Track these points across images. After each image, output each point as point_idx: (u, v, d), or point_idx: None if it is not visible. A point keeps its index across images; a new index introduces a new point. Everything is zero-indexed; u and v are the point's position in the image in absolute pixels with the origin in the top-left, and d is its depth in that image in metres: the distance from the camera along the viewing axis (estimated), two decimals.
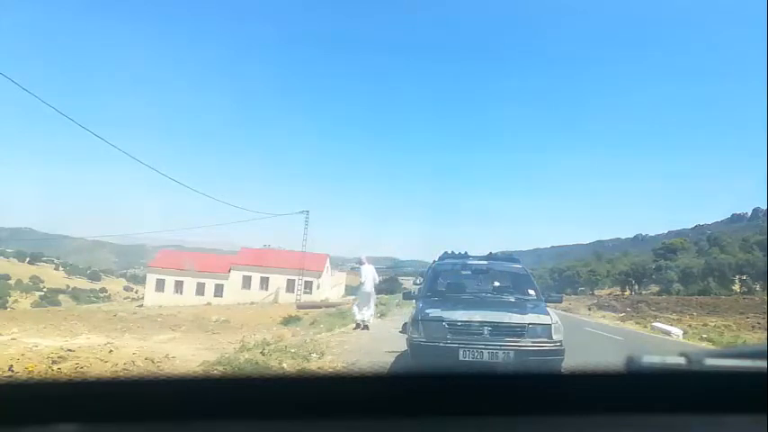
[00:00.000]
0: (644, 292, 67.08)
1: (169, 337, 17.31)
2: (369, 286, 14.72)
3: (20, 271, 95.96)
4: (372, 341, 12.80)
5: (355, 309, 14.89)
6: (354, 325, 14.34)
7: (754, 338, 23.43)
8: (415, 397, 1.07)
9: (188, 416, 1.03)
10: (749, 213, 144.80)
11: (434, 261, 8.92)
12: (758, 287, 56.08)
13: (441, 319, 6.55)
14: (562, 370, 1.30)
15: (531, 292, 7.79)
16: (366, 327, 14.28)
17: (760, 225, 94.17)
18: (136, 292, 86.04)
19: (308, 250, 48.23)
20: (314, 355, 9.93)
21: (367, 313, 14.58)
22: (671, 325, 25.51)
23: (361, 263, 15.58)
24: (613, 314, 38.99)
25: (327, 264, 59.18)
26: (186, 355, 11.59)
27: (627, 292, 70.32)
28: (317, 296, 52.15)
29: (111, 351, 11.87)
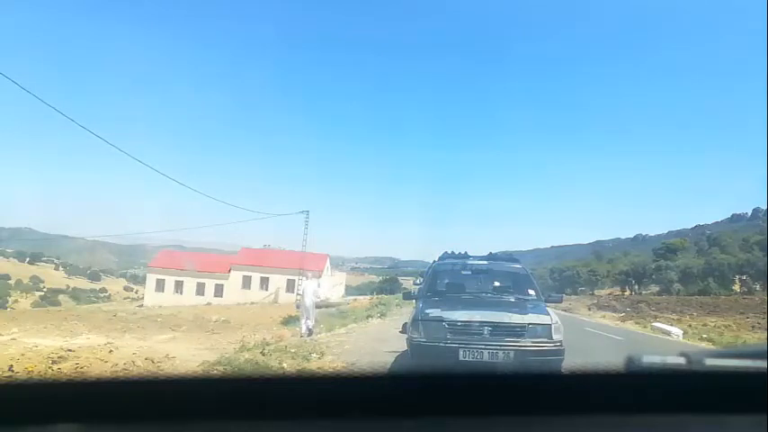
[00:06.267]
0: (644, 292, 67.06)
1: (169, 337, 17.32)
2: (308, 300, 15.20)
3: (20, 271, 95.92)
4: (372, 341, 12.79)
5: (301, 321, 15.33)
6: (300, 335, 14.61)
7: (754, 338, 23.45)
8: (415, 397, 1.07)
9: (188, 416, 1.03)
10: (749, 213, 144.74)
11: (434, 261, 8.91)
12: (758, 287, 56.06)
13: (441, 320, 6.54)
14: (562, 370, 1.30)
15: (531, 292, 7.77)
16: (310, 333, 14.58)
17: (760, 225, 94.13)
18: (136, 292, 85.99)
19: (308, 250, 48.10)
20: (314, 355, 9.94)
21: (309, 324, 15.01)
22: (671, 325, 25.53)
23: (305, 277, 16.93)
24: (613, 314, 39.01)
25: (327, 264, 59.15)
26: (186, 355, 11.60)
27: (627, 292, 70.30)
28: (320, 296, 51.90)
29: (111, 351, 11.88)
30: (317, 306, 16.51)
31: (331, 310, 28.30)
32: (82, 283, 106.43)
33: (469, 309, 6.79)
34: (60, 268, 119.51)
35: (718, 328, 28.02)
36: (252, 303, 48.19)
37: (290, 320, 24.45)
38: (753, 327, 28.85)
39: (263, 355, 9.46)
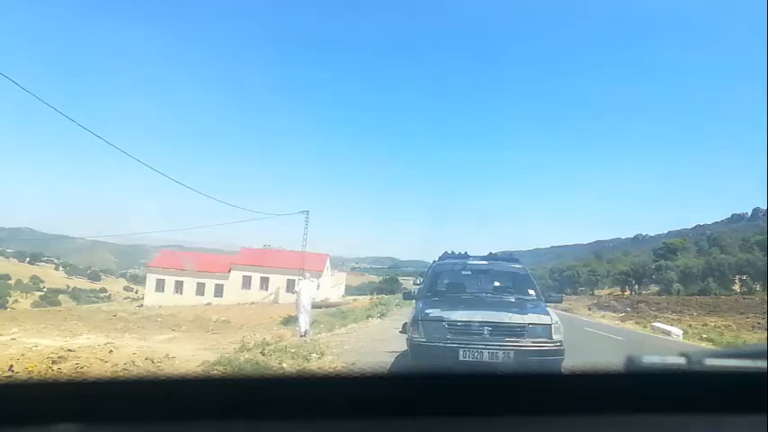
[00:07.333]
0: (644, 292, 67.01)
1: (169, 337, 17.32)
2: (305, 300, 14.98)
3: (20, 271, 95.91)
4: (372, 341, 12.80)
5: (299, 321, 15.15)
6: (299, 335, 14.51)
7: (754, 338, 23.45)
8: (415, 397, 1.07)
9: (188, 416, 1.03)
10: (749, 213, 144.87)
11: (434, 261, 8.90)
12: (758, 287, 55.96)
13: (441, 320, 6.54)
14: (562, 370, 1.30)
15: (531, 292, 7.76)
16: (304, 335, 14.42)
17: (760, 225, 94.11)
18: (136, 292, 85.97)
19: (308, 250, 48.08)
20: (314, 355, 9.93)
21: (306, 324, 14.85)
22: (671, 325, 25.52)
23: (303, 277, 16.80)
24: (613, 314, 39.03)
25: (327, 264, 59.12)
26: (186, 355, 11.59)
27: (627, 292, 70.25)
28: (317, 296, 51.93)
29: (111, 351, 11.89)
30: (313, 306, 16.40)
31: (331, 310, 28.28)
32: (82, 283, 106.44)
33: (469, 309, 6.78)
34: (60, 268, 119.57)
35: (718, 328, 28.02)
36: (252, 303, 48.16)
37: (289, 320, 24.44)
38: (753, 327, 28.84)
39: (263, 355, 9.45)
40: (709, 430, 1.06)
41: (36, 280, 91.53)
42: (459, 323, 6.48)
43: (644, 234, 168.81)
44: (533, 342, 6.34)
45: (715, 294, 53.77)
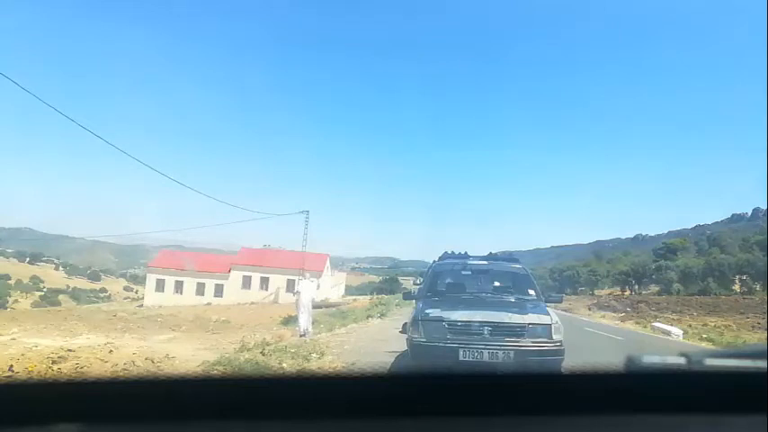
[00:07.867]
0: (644, 292, 67.00)
1: (169, 337, 17.31)
2: (305, 300, 14.93)
3: (20, 271, 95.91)
4: (372, 341, 12.80)
5: (299, 321, 15.07)
6: (299, 335, 14.43)
7: (754, 338, 23.44)
8: (415, 397, 1.07)
9: (188, 416, 1.03)
10: (749, 213, 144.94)
11: (434, 261, 8.90)
12: (758, 287, 55.95)
13: (441, 320, 6.54)
14: (562, 370, 1.30)
15: (531, 292, 7.76)
16: (305, 334, 14.34)
17: (760, 225, 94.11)
18: (136, 292, 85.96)
19: (308, 250, 48.04)
20: (314, 355, 9.93)
21: (306, 324, 14.77)
22: (671, 325, 25.52)
23: (303, 277, 16.94)
24: (613, 314, 39.03)
25: (327, 264, 59.11)
26: (186, 355, 11.59)
27: (627, 292, 70.24)
28: (317, 296, 51.82)
29: (111, 351, 11.88)
30: (314, 306, 16.39)
31: (331, 310, 28.28)
32: (82, 283, 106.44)
33: (469, 309, 6.78)
34: (60, 268, 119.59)
35: (718, 328, 28.01)
36: (252, 303, 48.15)
37: (289, 320, 24.45)
38: (753, 327, 28.84)
39: (263, 355, 9.45)
40: (709, 430, 1.06)
41: (36, 280, 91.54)
42: (460, 323, 6.48)
43: (644, 234, 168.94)
44: (533, 342, 6.34)
45: (715, 294, 53.76)
